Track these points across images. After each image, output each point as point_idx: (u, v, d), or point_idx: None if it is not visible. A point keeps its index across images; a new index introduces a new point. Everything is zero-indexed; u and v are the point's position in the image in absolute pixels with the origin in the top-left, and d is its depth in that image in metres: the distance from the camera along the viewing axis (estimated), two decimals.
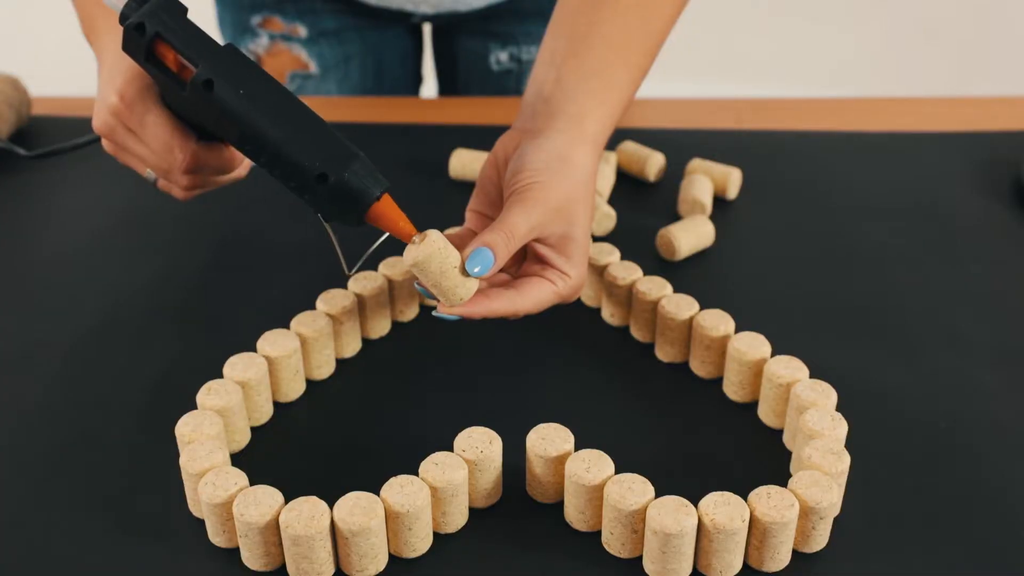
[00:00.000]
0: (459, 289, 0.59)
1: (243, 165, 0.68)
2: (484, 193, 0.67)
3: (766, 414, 0.64)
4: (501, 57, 1.10)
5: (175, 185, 0.66)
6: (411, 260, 0.58)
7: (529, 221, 0.61)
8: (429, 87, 1.23)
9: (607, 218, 0.81)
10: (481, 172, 0.67)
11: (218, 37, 1.10)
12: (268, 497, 0.53)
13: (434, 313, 0.61)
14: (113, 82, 0.62)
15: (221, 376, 0.63)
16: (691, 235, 0.79)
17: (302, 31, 1.06)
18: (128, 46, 0.59)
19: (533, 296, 0.62)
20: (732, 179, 0.86)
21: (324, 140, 0.58)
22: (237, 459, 0.62)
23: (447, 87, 1.17)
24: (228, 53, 0.58)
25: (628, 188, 0.89)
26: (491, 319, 0.62)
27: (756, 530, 0.53)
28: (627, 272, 0.71)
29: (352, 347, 0.70)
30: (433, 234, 0.58)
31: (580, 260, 0.64)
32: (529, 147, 0.64)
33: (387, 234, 0.60)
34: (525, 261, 0.65)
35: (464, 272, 0.59)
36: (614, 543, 0.55)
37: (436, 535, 0.57)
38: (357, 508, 0.53)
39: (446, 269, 0.58)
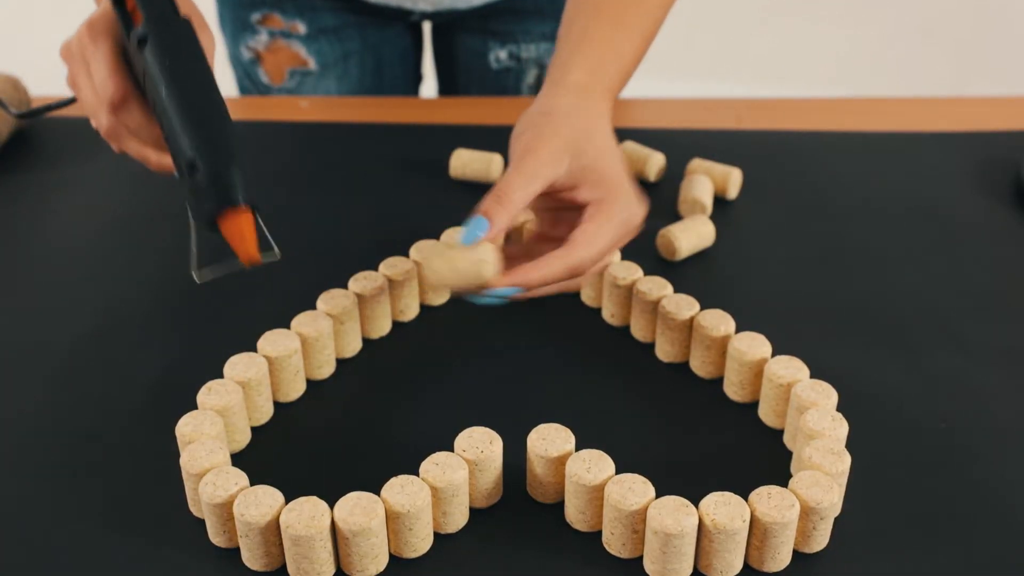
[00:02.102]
0: (479, 264, 0.57)
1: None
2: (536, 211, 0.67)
3: (766, 414, 0.64)
4: (500, 55, 1.10)
5: (100, 123, 0.65)
6: (427, 271, 0.57)
7: (521, 175, 0.60)
8: (429, 85, 1.23)
9: None
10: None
11: (219, 34, 1.11)
12: (268, 497, 0.53)
13: (482, 302, 0.59)
14: (91, 15, 0.64)
15: (221, 376, 0.63)
16: (691, 235, 0.79)
17: (301, 28, 1.06)
18: None
19: (586, 241, 0.60)
20: (732, 179, 0.86)
21: (216, 136, 0.58)
22: (237, 459, 0.62)
23: (447, 85, 1.17)
24: (178, 25, 0.59)
25: None
26: (553, 295, 0.58)
27: (757, 530, 0.53)
28: (627, 272, 0.71)
29: (352, 347, 0.70)
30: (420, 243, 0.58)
31: (614, 180, 0.62)
32: (518, 119, 0.65)
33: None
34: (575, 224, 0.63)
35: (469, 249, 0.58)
36: (615, 543, 0.55)
37: (437, 535, 0.57)
38: (358, 508, 0.53)
39: (451, 254, 0.57)
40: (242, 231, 0.57)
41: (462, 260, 0.58)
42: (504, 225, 0.59)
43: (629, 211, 0.63)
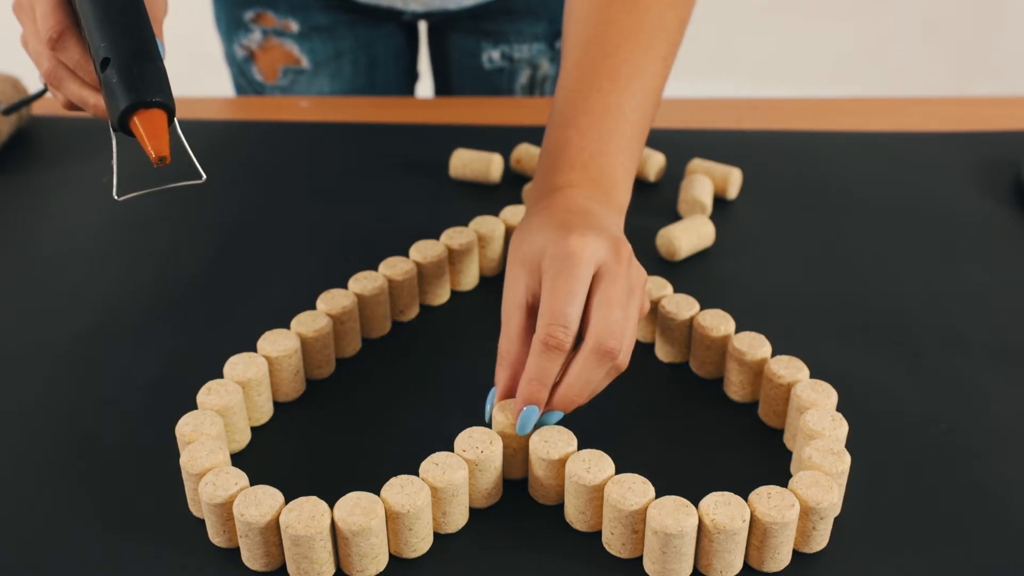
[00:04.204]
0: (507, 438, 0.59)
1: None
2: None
3: (766, 414, 0.64)
4: (493, 55, 1.10)
5: (42, 66, 0.64)
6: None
7: (507, 321, 0.60)
8: (426, 84, 1.23)
9: None
10: None
11: (214, 33, 1.12)
12: (268, 497, 0.53)
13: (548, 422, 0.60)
14: None
15: (221, 376, 0.63)
16: (691, 235, 0.79)
17: (294, 26, 1.06)
18: None
19: (542, 312, 0.58)
20: (732, 179, 0.86)
21: (130, 32, 0.57)
22: (237, 459, 0.62)
23: (441, 85, 1.18)
24: None
25: None
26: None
27: (756, 530, 0.53)
28: None
29: (352, 347, 0.70)
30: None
31: (519, 242, 0.62)
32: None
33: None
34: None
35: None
36: (614, 543, 0.55)
37: (436, 535, 0.57)
38: (357, 508, 0.53)
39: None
40: (153, 128, 0.56)
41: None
42: (504, 377, 0.60)
43: (543, 252, 0.60)
